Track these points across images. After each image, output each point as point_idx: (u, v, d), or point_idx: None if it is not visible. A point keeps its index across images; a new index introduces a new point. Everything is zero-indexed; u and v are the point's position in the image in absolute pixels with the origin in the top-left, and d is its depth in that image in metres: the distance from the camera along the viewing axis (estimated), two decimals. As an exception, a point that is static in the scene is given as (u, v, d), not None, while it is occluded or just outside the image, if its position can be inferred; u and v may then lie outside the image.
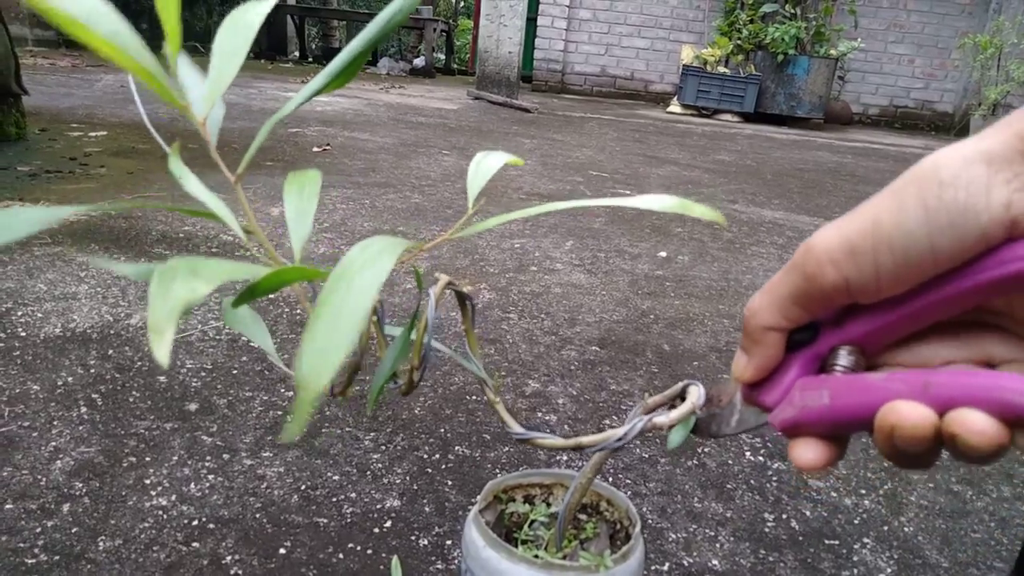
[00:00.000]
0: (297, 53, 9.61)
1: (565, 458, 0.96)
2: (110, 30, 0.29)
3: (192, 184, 0.30)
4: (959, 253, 0.23)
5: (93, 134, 2.81)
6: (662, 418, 0.33)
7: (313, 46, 10.83)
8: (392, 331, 0.37)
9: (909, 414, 0.23)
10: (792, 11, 6.49)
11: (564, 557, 0.45)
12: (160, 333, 0.19)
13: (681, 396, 0.34)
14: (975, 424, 0.22)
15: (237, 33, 0.34)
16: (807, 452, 0.28)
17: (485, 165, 0.37)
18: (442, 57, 10.62)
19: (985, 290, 0.24)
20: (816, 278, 0.25)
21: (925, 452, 0.24)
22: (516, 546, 0.44)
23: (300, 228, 0.32)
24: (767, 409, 0.30)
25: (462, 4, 13.91)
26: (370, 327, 0.36)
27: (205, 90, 0.33)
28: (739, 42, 6.70)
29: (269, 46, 8.84)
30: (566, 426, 1.03)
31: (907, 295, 0.25)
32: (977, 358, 0.26)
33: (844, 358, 0.27)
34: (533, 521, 0.49)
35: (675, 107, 6.90)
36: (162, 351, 0.19)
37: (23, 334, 1.13)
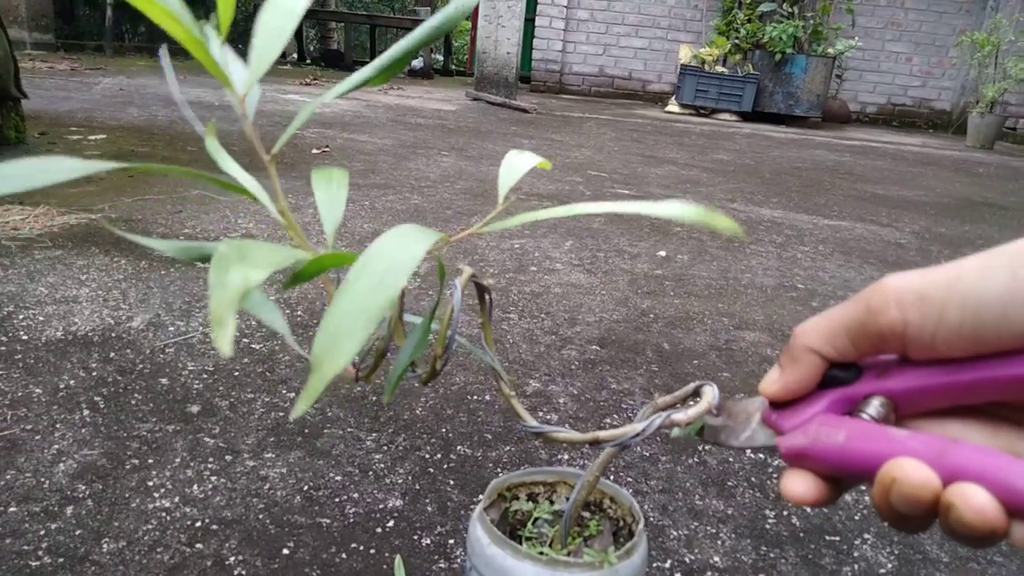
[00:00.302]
0: (295, 55, 9.61)
1: (567, 456, 0.96)
2: (171, 4, 0.29)
3: (228, 164, 0.30)
4: None
5: (92, 137, 2.81)
6: (680, 415, 0.33)
7: (311, 48, 10.82)
8: (411, 319, 0.37)
9: (912, 473, 0.23)
10: (789, 10, 6.49)
11: (568, 554, 0.45)
12: (222, 324, 0.19)
13: (695, 395, 0.35)
14: (975, 500, 0.21)
15: (280, 16, 0.34)
16: (799, 485, 0.27)
17: (516, 163, 0.37)
18: (440, 58, 10.62)
19: None
20: (877, 314, 0.25)
21: (918, 516, 0.24)
22: (520, 544, 0.45)
23: (332, 214, 0.32)
24: (780, 433, 0.29)
25: (459, 5, 13.89)
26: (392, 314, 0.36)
27: (248, 68, 0.34)
28: (737, 41, 6.71)
29: (267, 48, 8.83)
30: (567, 425, 1.03)
31: (959, 364, 0.24)
32: (1006, 449, 0.25)
33: (875, 408, 0.27)
34: (537, 519, 0.49)
35: (673, 107, 6.91)
36: (224, 342, 0.19)
37: (25, 337, 1.14)
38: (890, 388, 0.26)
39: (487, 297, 0.38)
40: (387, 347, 0.33)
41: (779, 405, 0.30)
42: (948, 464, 0.23)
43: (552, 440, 0.36)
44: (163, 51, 0.38)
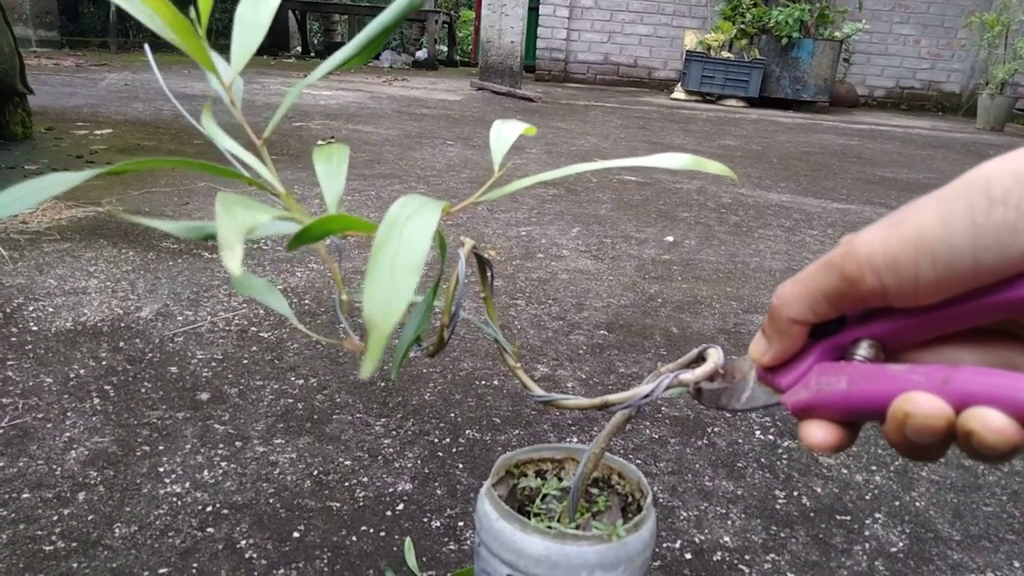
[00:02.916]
0: (300, 48, 9.60)
1: (576, 439, 0.96)
2: None
3: (225, 141, 0.31)
4: (1003, 270, 0.23)
5: (98, 132, 2.82)
6: (688, 375, 0.33)
7: (315, 41, 10.81)
8: (413, 297, 0.37)
9: (924, 404, 0.24)
10: (795, -6, 6.43)
11: (577, 528, 0.45)
12: (230, 247, 0.20)
13: (700, 359, 0.35)
14: (993, 422, 0.22)
15: (258, 7, 0.34)
16: (818, 432, 0.28)
17: (504, 132, 0.37)
18: (445, 49, 10.59)
19: (1021, 306, 0.24)
20: (855, 283, 0.25)
21: (934, 445, 0.24)
22: (529, 519, 0.45)
23: (333, 186, 0.32)
24: (781, 391, 0.30)
25: (463, -5, 13.86)
26: None
27: (230, 59, 0.34)
28: (742, 26, 6.65)
29: (271, 42, 8.83)
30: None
31: (941, 302, 0.25)
32: (1000, 365, 0.26)
33: (865, 349, 0.27)
34: (545, 495, 0.49)
35: (679, 93, 6.87)
36: (233, 262, 0.20)
37: (35, 328, 1.14)
38: (876, 331, 0.27)
39: (489, 271, 0.38)
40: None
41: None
42: (955, 391, 0.23)
43: (560, 407, 0.35)
44: (147, 48, 0.38)
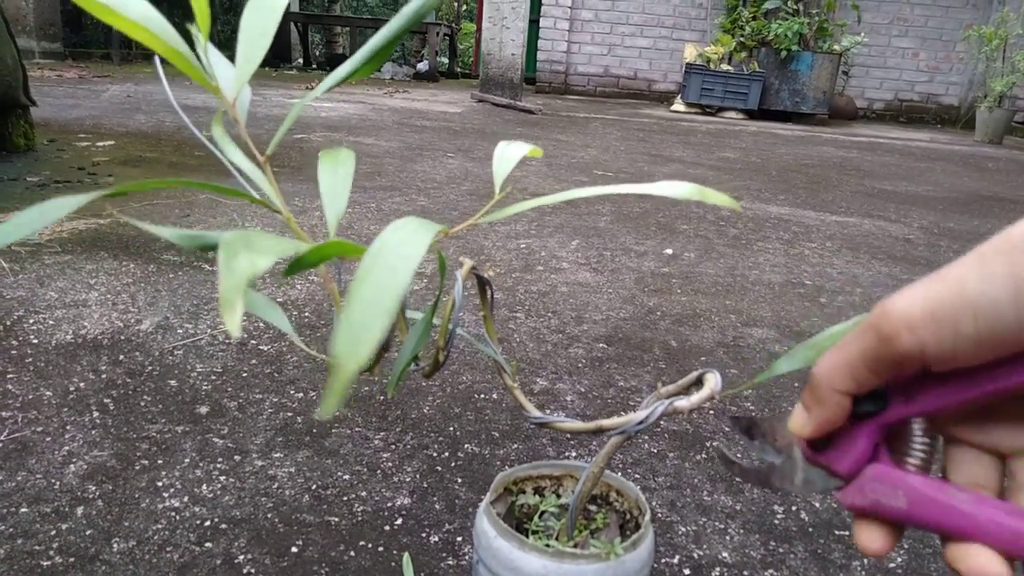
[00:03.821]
0: (301, 60, 9.65)
1: (575, 453, 0.96)
2: (141, 15, 0.30)
3: (234, 156, 0.31)
4: None
5: (101, 144, 2.83)
6: (683, 402, 0.33)
7: (317, 53, 10.87)
8: (412, 315, 0.37)
9: (988, 569, 0.24)
10: (794, 7, 6.47)
11: (575, 546, 0.45)
12: (231, 307, 0.20)
13: (698, 383, 0.35)
14: None
15: (263, 15, 0.35)
16: (876, 540, 0.27)
17: (508, 153, 0.37)
18: (445, 61, 10.64)
19: None
20: (891, 342, 0.24)
21: None
22: (527, 537, 0.45)
23: (335, 205, 0.32)
24: (833, 473, 0.29)
25: (464, 8, 13.96)
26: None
27: (234, 72, 0.34)
28: (742, 39, 6.69)
29: (273, 53, 8.88)
30: (575, 423, 1.03)
31: (984, 368, 0.24)
32: None
33: (918, 447, 0.27)
34: (543, 512, 0.49)
35: (679, 106, 6.89)
36: (233, 323, 0.20)
37: (35, 341, 1.14)
38: (922, 407, 0.26)
39: (488, 290, 0.38)
40: (388, 340, 0.34)
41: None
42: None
43: (556, 429, 0.36)
44: (157, 59, 0.39)
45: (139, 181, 0.27)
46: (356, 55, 0.33)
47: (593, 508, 0.50)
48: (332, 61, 9.42)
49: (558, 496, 0.50)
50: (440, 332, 0.35)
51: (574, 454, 0.96)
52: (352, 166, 0.36)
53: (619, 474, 0.91)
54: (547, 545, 0.43)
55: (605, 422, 0.34)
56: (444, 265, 0.37)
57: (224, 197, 2.10)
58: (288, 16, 9.15)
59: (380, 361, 0.36)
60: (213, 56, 0.36)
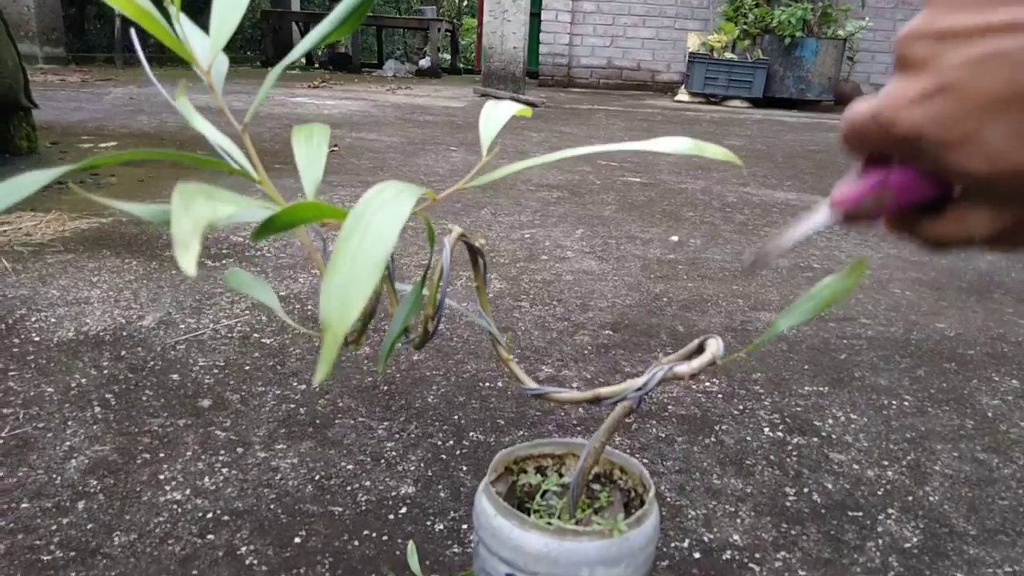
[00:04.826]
0: (304, 59, 9.65)
1: (581, 438, 0.94)
2: None
3: (201, 124, 0.30)
4: None
5: (103, 145, 2.83)
6: (683, 367, 0.32)
7: (319, 52, 10.86)
8: (401, 288, 0.36)
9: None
10: (797, -7, 6.42)
11: (578, 524, 0.43)
12: (186, 246, 0.19)
13: (699, 350, 0.33)
14: None
15: None
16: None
17: (495, 114, 0.36)
18: (447, 57, 10.61)
19: None
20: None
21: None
22: (529, 516, 0.43)
23: (311, 172, 0.31)
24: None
25: (466, 4, 13.92)
26: (382, 282, 0.35)
27: (208, 40, 0.33)
28: (745, 27, 6.64)
29: (275, 53, 8.88)
30: (580, 409, 1.02)
31: None
32: None
33: None
34: (545, 491, 0.48)
35: (683, 95, 6.85)
36: (188, 262, 0.19)
37: (37, 339, 1.14)
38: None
39: (480, 260, 0.37)
40: (373, 308, 0.32)
41: None
42: None
43: (552, 400, 0.34)
44: (140, 53, 0.37)
45: (116, 154, 0.26)
46: (333, 13, 0.32)
47: (597, 487, 0.49)
48: (334, 59, 9.41)
49: (560, 475, 0.49)
50: (428, 300, 0.33)
51: (580, 439, 0.94)
52: (327, 137, 0.34)
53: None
54: (548, 523, 0.42)
55: (603, 390, 0.33)
56: (433, 234, 0.35)
57: (224, 183, 2.09)
58: (290, 15, 9.16)
59: (366, 331, 0.35)
60: (187, 26, 0.35)
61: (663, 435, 0.96)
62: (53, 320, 1.21)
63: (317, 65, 9.33)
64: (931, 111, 0.24)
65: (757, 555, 0.75)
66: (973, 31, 0.23)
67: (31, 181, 0.29)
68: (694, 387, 1.06)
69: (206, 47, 0.34)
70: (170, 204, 0.30)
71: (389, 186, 0.26)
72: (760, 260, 0.33)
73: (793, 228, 0.32)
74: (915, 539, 0.78)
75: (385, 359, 0.34)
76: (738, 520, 0.80)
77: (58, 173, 0.30)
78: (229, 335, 1.19)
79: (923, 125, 0.24)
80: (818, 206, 0.32)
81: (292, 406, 0.98)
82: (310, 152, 0.31)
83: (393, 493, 0.81)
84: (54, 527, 0.73)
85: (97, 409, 0.95)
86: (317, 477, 0.83)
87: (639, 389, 0.32)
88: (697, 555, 0.74)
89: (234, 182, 1.95)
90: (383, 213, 0.23)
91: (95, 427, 0.91)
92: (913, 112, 0.25)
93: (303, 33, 9.40)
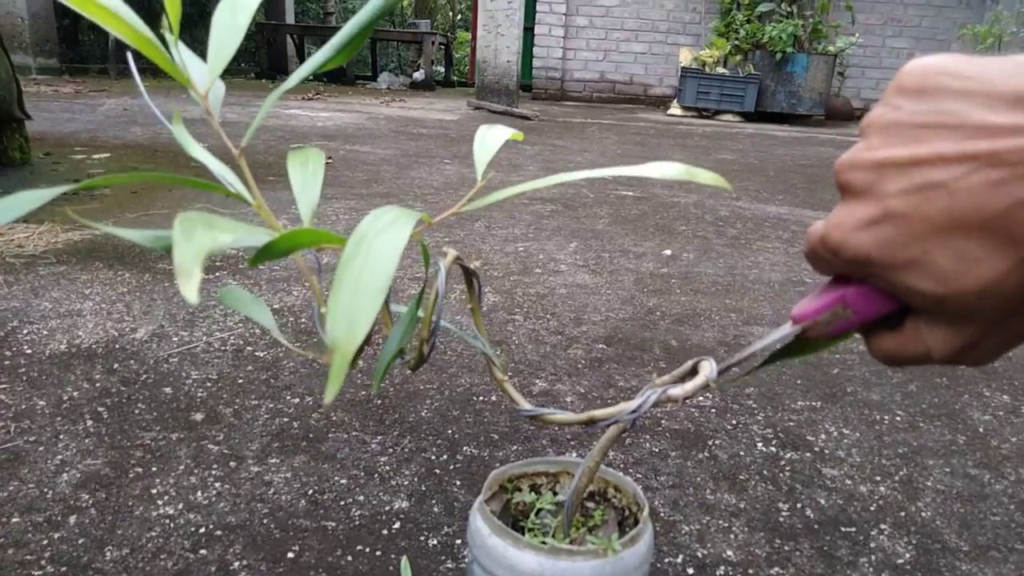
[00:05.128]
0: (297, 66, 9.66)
1: (576, 455, 0.95)
2: (112, 3, 0.29)
3: (196, 151, 0.30)
4: None
5: (97, 156, 2.83)
6: (676, 390, 0.32)
7: (313, 64, 10.87)
8: (397, 309, 0.36)
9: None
10: (788, 9, 6.49)
11: (572, 543, 0.44)
12: (188, 275, 0.19)
13: (692, 372, 0.34)
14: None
15: (236, 11, 0.34)
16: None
17: (490, 138, 0.37)
18: (441, 70, 10.66)
19: None
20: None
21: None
22: (523, 535, 0.44)
23: (307, 196, 0.31)
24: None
25: (460, 18, 14.00)
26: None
27: (207, 65, 0.33)
28: (737, 42, 6.70)
29: (270, 65, 8.90)
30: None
31: None
32: None
33: None
34: (540, 510, 0.48)
35: (675, 109, 6.90)
36: (190, 290, 0.19)
37: (29, 351, 1.13)
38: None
39: (475, 282, 0.37)
40: (370, 331, 0.33)
41: None
42: None
43: (547, 422, 0.35)
44: (132, 64, 0.38)
45: (112, 175, 0.27)
46: (330, 42, 0.32)
47: (591, 505, 0.49)
48: (329, 72, 9.42)
49: (555, 493, 0.49)
50: (423, 323, 0.33)
51: (574, 455, 0.94)
52: (322, 162, 0.35)
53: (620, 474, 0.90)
54: (542, 542, 0.42)
55: (597, 412, 0.33)
56: (428, 256, 0.36)
57: (219, 206, 2.09)
58: (284, 28, 9.18)
59: (363, 352, 0.35)
60: (185, 53, 0.35)
61: (657, 450, 0.96)
62: (45, 332, 1.20)
63: (311, 77, 9.35)
64: (878, 236, 0.26)
65: (751, 571, 0.75)
66: (907, 162, 0.25)
67: (34, 198, 0.30)
68: (688, 402, 1.06)
69: (203, 72, 0.35)
70: (167, 230, 0.30)
71: (387, 211, 0.26)
72: (727, 373, 0.34)
73: (758, 341, 0.33)
74: (908, 555, 0.79)
75: (380, 379, 0.34)
76: (731, 535, 0.80)
77: (59, 191, 0.30)
78: (222, 348, 1.18)
79: (870, 250, 0.26)
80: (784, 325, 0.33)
81: (285, 420, 0.98)
82: (305, 178, 0.32)
83: (387, 508, 0.81)
84: (45, 542, 0.72)
85: (89, 422, 0.94)
86: (310, 491, 0.83)
87: (633, 412, 0.32)
88: (691, 571, 0.74)
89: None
90: (383, 239, 0.24)
91: (87, 441, 0.90)
92: (860, 236, 0.26)
93: (297, 46, 9.43)
